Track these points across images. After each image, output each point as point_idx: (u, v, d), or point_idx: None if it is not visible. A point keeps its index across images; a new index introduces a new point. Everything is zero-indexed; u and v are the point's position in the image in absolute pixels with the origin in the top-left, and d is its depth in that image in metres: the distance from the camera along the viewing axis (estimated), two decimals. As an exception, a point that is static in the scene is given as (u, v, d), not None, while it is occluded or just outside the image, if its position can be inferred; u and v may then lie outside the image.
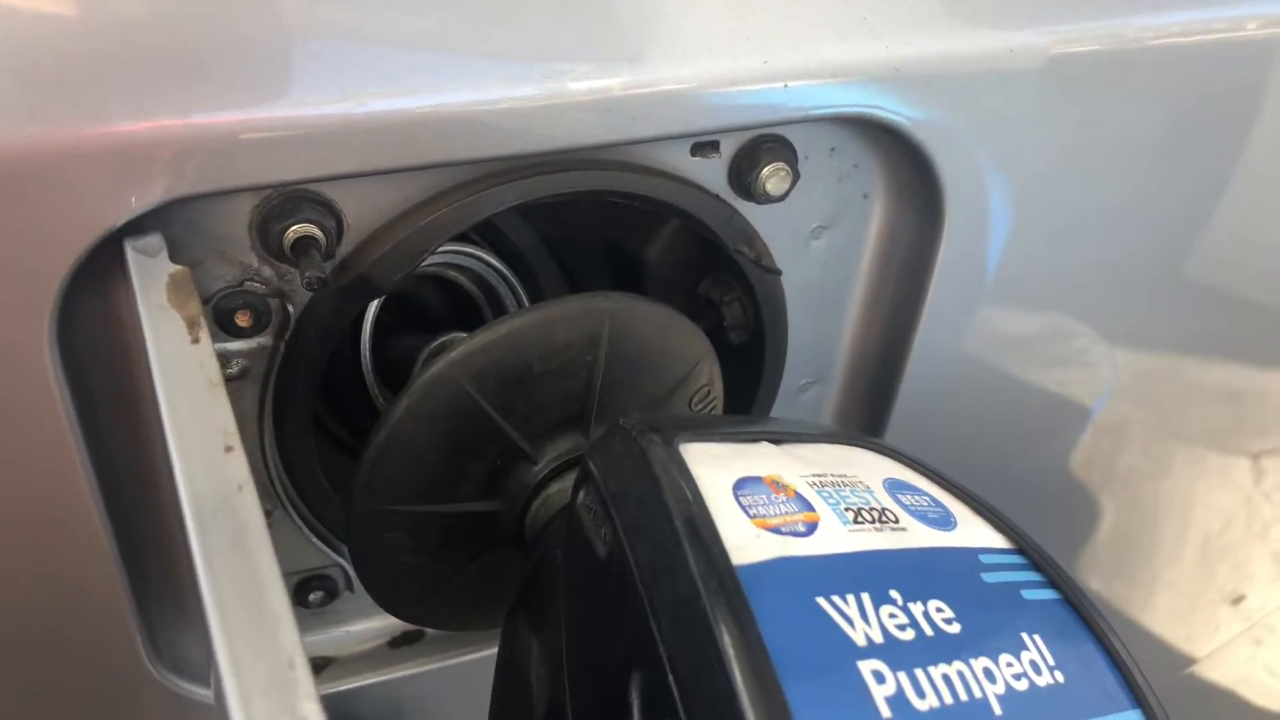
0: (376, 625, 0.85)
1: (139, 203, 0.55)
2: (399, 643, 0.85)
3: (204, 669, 0.77)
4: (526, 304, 0.85)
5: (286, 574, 0.80)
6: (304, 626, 0.83)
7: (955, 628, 0.45)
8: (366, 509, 0.63)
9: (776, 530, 0.47)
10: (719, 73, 0.63)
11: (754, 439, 0.54)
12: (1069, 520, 1.07)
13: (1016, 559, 0.53)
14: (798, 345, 0.82)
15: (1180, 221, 0.84)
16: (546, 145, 0.62)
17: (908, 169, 0.74)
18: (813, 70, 0.64)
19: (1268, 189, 0.84)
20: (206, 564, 0.38)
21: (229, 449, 0.43)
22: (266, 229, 0.61)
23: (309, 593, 0.80)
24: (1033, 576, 0.52)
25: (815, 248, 0.78)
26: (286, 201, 0.61)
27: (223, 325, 0.65)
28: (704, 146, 0.70)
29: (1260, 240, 0.87)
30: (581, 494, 0.54)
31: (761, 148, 0.70)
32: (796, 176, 0.71)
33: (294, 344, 0.66)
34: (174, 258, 0.58)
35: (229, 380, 0.67)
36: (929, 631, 0.44)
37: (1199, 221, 0.84)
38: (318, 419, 0.74)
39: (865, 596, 0.44)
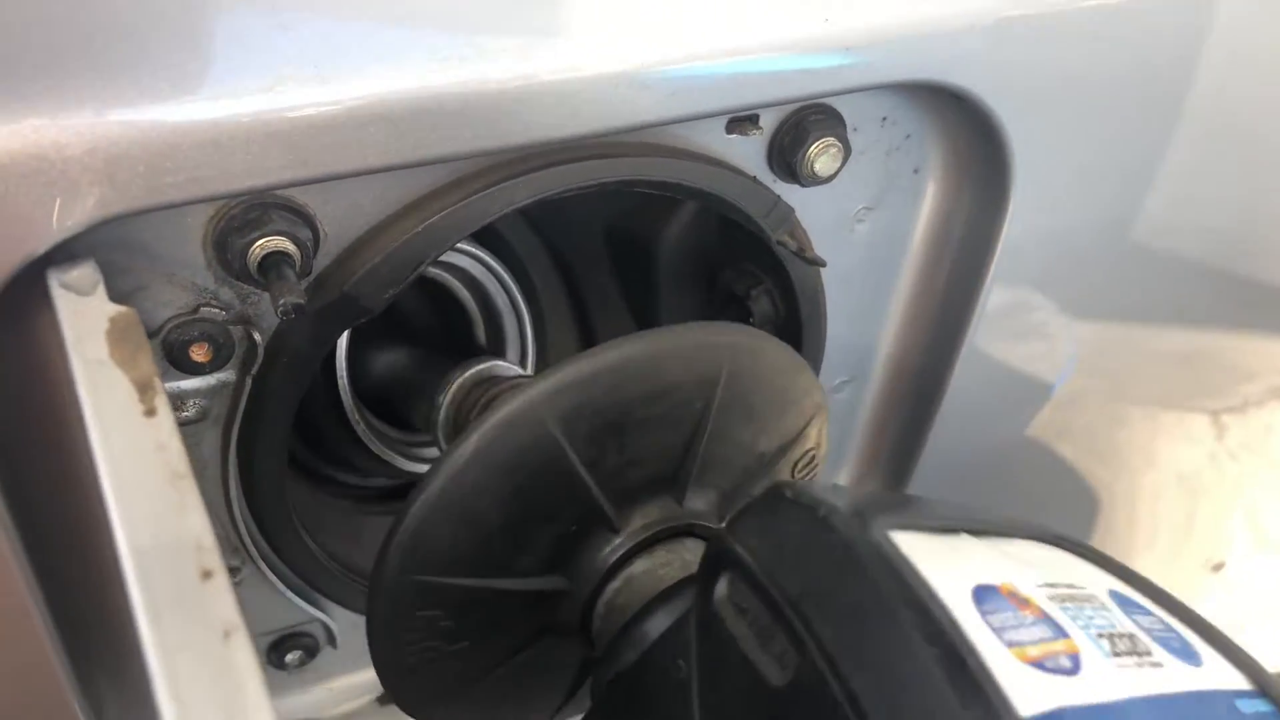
0: (363, 680, 0.74)
1: (63, 224, 0.43)
2: (388, 699, 0.74)
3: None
4: (522, 306, 0.73)
5: (259, 634, 0.68)
6: (280, 689, 0.72)
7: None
8: (401, 578, 0.50)
9: (1040, 665, 0.36)
10: (771, 38, 0.52)
11: (952, 529, 0.43)
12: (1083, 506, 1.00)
13: (1264, 707, 0.43)
14: (835, 340, 0.71)
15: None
16: (569, 131, 0.51)
17: (969, 139, 0.64)
18: (882, 30, 0.54)
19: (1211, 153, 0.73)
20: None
21: (207, 574, 0.32)
22: (225, 245, 0.49)
23: (285, 653, 0.69)
24: None
25: (859, 231, 0.68)
26: (250, 210, 0.49)
27: (175, 361, 0.53)
28: (742, 121, 0.59)
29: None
30: (723, 585, 0.42)
31: (808, 120, 0.59)
32: (848, 152, 0.60)
33: (263, 379, 0.55)
34: (110, 284, 0.46)
35: (184, 425, 0.55)
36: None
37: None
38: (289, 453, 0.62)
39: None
